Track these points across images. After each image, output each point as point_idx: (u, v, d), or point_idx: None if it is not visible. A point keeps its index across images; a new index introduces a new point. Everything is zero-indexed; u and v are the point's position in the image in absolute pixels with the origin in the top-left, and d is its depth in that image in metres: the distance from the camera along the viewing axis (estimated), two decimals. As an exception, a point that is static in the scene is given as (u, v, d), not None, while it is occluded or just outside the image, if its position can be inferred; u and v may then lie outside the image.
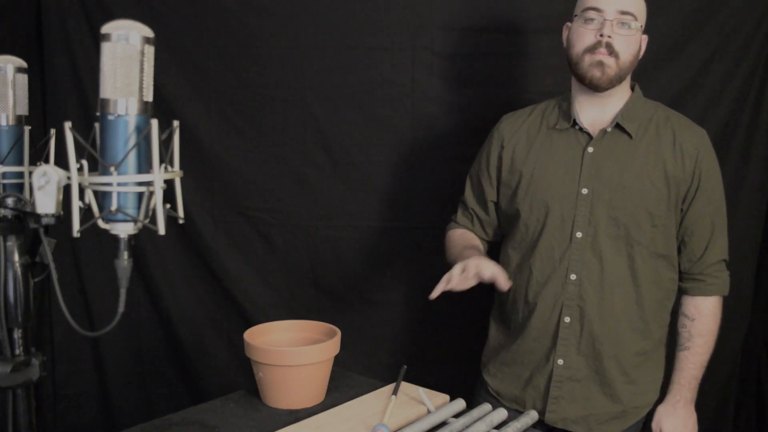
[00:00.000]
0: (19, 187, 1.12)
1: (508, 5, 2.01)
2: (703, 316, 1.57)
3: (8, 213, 1.04)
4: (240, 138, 2.13)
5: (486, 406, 1.38)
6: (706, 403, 2.14)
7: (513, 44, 2.02)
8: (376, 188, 2.12)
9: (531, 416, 1.38)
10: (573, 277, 1.52)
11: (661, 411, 1.58)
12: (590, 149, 1.53)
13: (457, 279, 1.44)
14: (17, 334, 1.05)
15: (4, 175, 1.12)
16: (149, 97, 0.93)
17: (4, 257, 1.03)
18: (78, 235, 0.89)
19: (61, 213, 0.96)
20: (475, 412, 1.35)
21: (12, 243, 1.03)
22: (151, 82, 0.94)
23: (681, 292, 1.61)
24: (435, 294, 1.44)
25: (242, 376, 2.05)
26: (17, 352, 1.05)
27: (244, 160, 2.14)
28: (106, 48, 0.90)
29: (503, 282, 1.46)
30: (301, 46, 2.07)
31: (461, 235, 1.72)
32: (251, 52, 2.08)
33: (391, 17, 2.04)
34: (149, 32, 0.92)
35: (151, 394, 2.30)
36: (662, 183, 1.51)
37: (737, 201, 2.06)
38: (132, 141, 0.91)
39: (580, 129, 1.56)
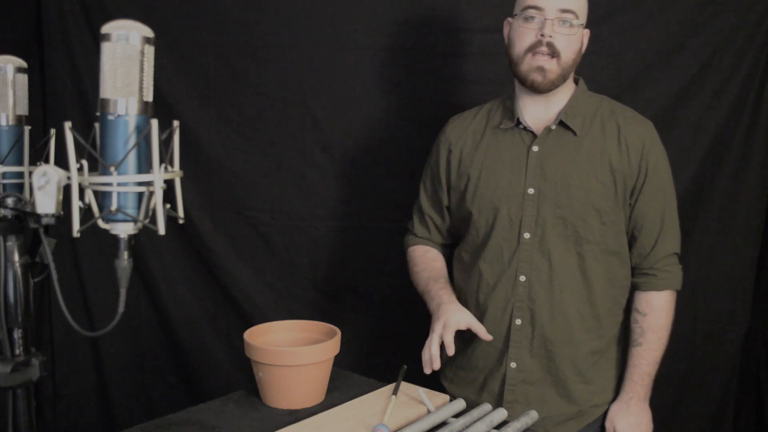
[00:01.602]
0: (19, 187, 1.13)
1: (509, 5, 2.00)
2: (655, 311, 1.54)
3: (8, 213, 1.04)
4: (240, 138, 2.13)
5: (486, 406, 1.38)
6: (706, 403, 2.14)
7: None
8: (376, 188, 2.12)
9: (531, 416, 1.38)
10: (522, 278, 1.51)
11: (615, 409, 1.55)
12: (535, 148, 1.52)
13: (437, 353, 1.46)
14: (17, 334, 1.05)
15: (4, 175, 1.12)
16: (149, 97, 0.93)
17: (4, 257, 1.03)
18: (78, 235, 0.89)
19: (61, 213, 0.96)
20: (475, 412, 1.35)
21: (12, 243, 1.03)
22: (151, 82, 0.94)
23: (633, 288, 1.58)
24: (430, 371, 1.47)
25: (242, 376, 2.04)
26: (17, 352, 1.05)
27: (244, 160, 2.14)
28: (106, 48, 0.90)
29: (483, 334, 1.49)
30: (301, 46, 2.07)
31: (422, 256, 1.71)
32: (251, 52, 2.08)
33: (391, 17, 2.04)
34: (149, 32, 0.92)
35: (151, 394, 2.29)
36: (608, 179, 1.49)
37: (737, 201, 2.05)
38: (132, 141, 0.91)
39: (525, 128, 1.54)
